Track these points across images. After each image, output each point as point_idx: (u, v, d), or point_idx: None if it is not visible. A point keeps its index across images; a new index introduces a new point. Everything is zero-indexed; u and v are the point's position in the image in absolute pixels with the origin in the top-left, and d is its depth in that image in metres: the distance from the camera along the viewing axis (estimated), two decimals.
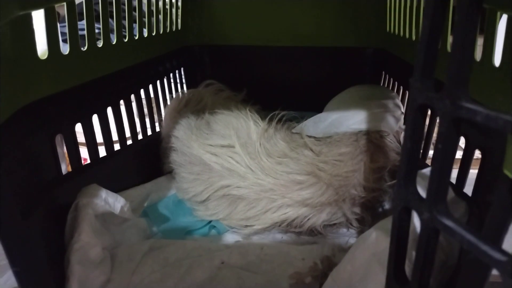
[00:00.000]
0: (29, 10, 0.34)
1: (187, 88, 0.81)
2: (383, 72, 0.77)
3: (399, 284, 0.28)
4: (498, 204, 0.23)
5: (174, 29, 0.73)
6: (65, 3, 0.40)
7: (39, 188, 0.35)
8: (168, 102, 0.71)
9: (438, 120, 0.23)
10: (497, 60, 0.34)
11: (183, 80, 0.80)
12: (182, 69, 0.79)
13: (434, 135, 0.49)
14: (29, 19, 0.35)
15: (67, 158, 0.46)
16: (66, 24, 0.41)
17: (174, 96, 0.72)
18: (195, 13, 0.80)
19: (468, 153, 0.38)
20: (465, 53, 0.21)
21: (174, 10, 0.73)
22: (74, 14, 0.41)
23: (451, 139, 0.22)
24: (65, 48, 0.41)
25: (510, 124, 0.18)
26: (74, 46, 0.42)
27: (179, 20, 0.75)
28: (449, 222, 0.22)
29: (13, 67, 0.33)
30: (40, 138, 0.37)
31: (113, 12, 0.50)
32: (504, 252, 0.19)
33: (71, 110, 0.43)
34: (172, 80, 0.75)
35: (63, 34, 0.41)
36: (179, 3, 0.75)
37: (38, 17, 0.38)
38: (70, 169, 0.44)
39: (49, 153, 0.39)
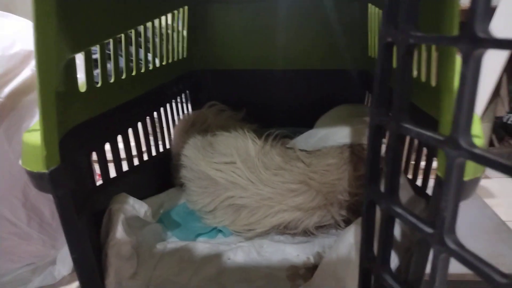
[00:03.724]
0: (76, 53, 0.43)
1: (192, 108, 0.90)
2: (367, 92, 0.86)
3: (369, 260, 0.36)
4: (433, 195, 0.32)
5: (181, 57, 0.82)
6: (98, 45, 0.49)
7: (83, 195, 0.43)
8: (176, 122, 0.79)
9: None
10: None
11: (188, 102, 0.89)
12: (187, 91, 0.88)
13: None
14: (74, 60, 0.44)
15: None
16: (99, 62, 0.50)
17: (181, 117, 0.81)
18: (199, 42, 0.90)
19: (428, 161, 0.47)
20: (403, 91, 0.30)
21: (181, 40, 0.82)
22: (104, 54, 0.50)
23: (396, 149, 0.31)
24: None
25: (431, 138, 0.27)
26: (104, 80, 0.51)
27: (185, 49, 0.85)
28: (398, 209, 0.31)
29: (64, 99, 0.41)
30: (81, 155, 0.46)
31: (133, 46, 0.60)
32: (433, 227, 0.28)
33: (101, 132, 0.52)
34: (178, 101, 0.83)
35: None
36: (185, 34, 0.84)
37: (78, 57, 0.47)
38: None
39: (87, 167, 0.47)
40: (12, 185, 0.48)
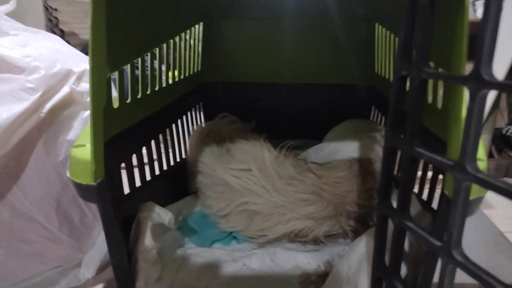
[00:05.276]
0: (114, 72, 0.47)
1: (204, 119, 0.94)
2: (373, 107, 0.90)
3: (381, 269, 0.40)
4: (441, 212, 0.35)
5: (196, 70, 0.86)
6: (129, 64, 0.53)
7: (116, 202, 0.47)
8: (191, 133, 0.83)
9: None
10: None
11: (201, 113, 0.93)
12: (200, 103, 0.92)
13: None
14: (110, 78, 0.48)
15: None
16: (129, 79, 0.53)
17: (195, 127, 0.85)
18: (212, 55, 0.94)
19: (434, 177, 0.51)
20: (416, 119, 0.33)
21: (196, 54, 0.86)
22: (133, 71, 0.54)
23: (409, 170, 0.35)
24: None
25: (441, 163, 0.31)
26: (133, 96, 0.55)
27: (200, 62, 0.89)
28: (410, 224, 0.35)
29: (103, 114, 0.45)
30: (113, 165, 0.49)
31: (157, 62, 0.63)
32: (441, 241, 0.31)
33: (129, 144, 0.55)
34: (192, 113, 0.87)
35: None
36: (200, 48, 0.88)
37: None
38: None
39: (118, 177, 0.51)
40: (48, 193, 0.52)
